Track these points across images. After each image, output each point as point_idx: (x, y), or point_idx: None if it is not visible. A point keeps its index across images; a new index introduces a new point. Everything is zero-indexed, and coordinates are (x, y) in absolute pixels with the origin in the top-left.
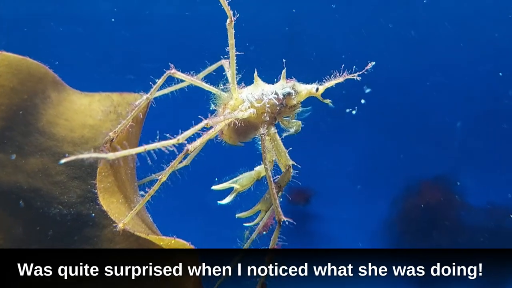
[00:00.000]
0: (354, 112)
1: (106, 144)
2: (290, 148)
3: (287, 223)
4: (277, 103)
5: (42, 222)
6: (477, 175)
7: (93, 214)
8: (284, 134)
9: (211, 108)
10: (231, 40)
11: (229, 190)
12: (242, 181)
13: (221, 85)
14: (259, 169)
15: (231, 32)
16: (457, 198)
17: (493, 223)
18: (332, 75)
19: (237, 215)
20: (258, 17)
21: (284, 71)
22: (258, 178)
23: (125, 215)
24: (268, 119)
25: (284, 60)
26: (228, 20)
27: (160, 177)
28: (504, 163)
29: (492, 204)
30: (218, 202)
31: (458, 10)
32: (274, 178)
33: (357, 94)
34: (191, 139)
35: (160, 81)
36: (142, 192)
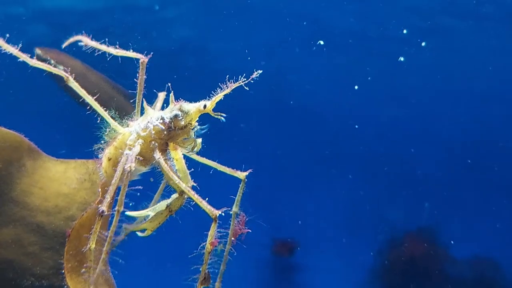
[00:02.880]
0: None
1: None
2: (192, 169)
3: (223, 214)
4: (163, 128)
5: None
6: (460, 227)
7: (66, 286)
8: (186, 153)
9: (102, 142)
10: (81, 92)
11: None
12: (158, 209)
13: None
14: (176, 197)
15: (75, 85)
16: (441, 250)
17: (478, 275)
18: (219, 88)
19: (124, 226)
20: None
21: (171, 94)
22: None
23: None
24: (157, 145)
25: (169, 84)
26: (64, 78)
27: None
28: (487, 215)
29: (476, 256)
30: (138, 234)
31: (439, 63)
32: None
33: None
34: None
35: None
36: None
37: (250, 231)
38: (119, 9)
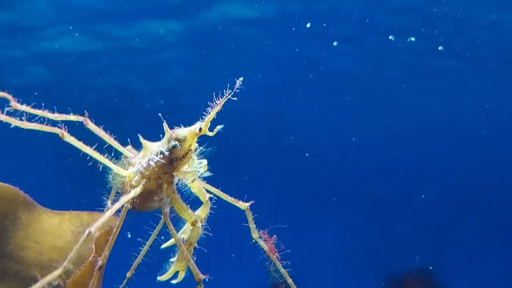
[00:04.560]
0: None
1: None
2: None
3: (207, 280)
4: (165, 162)
5: None
6: (459, 267)
7: None
8: (197, 175)
9: (108, 186)
10: (78, 144)
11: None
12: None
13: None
14: (190, 228)
15: (71, 140)
16: None
17: None
18: (209, 107)
19: (158, 278)
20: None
21: (165, 123)
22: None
23: None
24: (163, 181)
25: (160, 114)
26: (60, 135)
27: None
28: (486, 255)
29: None
30: (173, 282)
31: (436, 103)
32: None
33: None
34: None
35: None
36: None
37: (275, 236)
38: (117, 51)
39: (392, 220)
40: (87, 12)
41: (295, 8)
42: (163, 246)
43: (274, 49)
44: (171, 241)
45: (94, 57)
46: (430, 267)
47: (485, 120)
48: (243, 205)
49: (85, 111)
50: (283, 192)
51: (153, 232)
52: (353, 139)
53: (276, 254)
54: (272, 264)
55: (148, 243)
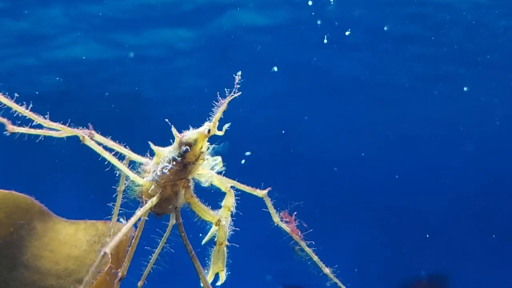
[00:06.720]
0: None
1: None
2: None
3: None
4: (180, 168)
5: None
6: (471, 276)
7: None
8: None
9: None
10: (98, 149)
11: None
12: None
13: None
14: (215, 229)
15: (92, 143)
16: None
17: None
18: (215, 107)
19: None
20: (252, 118)
21: (173, 128)
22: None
23: None
24: (181, 188)
25: (167, 119)
26: (81, 138)
27: None
28: (498, 264)
29: None
30: (218, 284)
31: (445, 111)
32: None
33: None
34: None
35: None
36: None
37: (296, 213)
38: (130, 59)
39: (403, 228)
40: (100, 20)
41: (307, 16)
42: (204, 242)
43: (286, 56)
44: (210, 233)
45: (107, 65)
46: (441, 276)
47: (497, 128)
48: (260, 193)
49: (89, 124)
50: (292, 201)
51: (161, 240)
52: (362, 154)
53: (299, 233)
54: (296, 244)
55: (157, 251)
